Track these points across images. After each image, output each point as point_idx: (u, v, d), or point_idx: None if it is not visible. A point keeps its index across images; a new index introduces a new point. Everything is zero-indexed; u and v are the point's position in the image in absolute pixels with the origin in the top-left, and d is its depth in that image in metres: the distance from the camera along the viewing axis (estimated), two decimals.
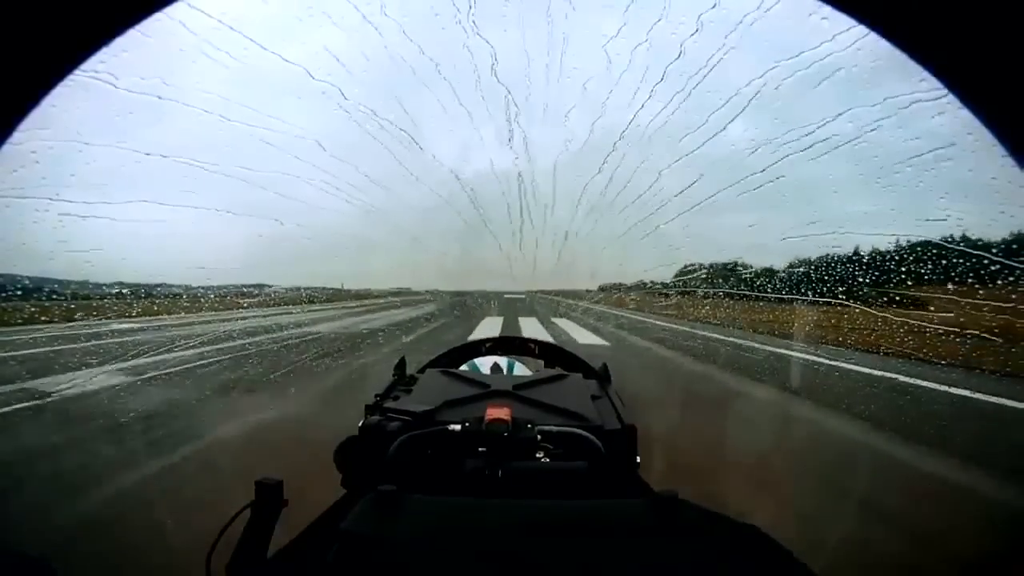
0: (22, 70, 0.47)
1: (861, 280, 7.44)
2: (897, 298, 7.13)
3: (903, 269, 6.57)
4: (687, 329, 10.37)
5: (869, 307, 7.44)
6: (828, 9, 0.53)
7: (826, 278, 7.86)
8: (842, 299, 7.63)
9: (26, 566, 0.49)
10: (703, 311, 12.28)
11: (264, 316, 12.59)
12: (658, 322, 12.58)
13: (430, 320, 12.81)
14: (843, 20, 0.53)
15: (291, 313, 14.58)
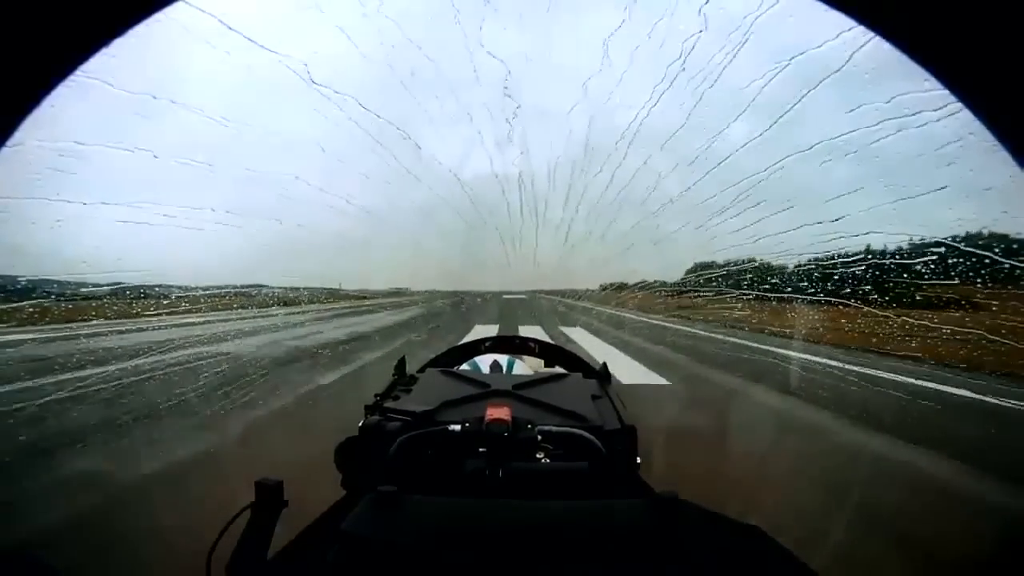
0: (22, 70, 0.47)
1: (885, 281, 7.32)
2: (917, 298, 7.04)
3: (913, 269, 6.52)
4: (737, 340, 8.60)
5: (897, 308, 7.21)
6: (829, 10, 0.53)
7: (861, 279, 7.65)
8: (877, 300, 7.42)
9: (26, 566, 0.49)
10: (724, 312, 11.33)
11: (225, 322, 11.34)
12: (686, 328, 11.22)
13: (408, 328, 11.48)
14: (844, 21, 0.53)
15: (270, 316, 13.81)
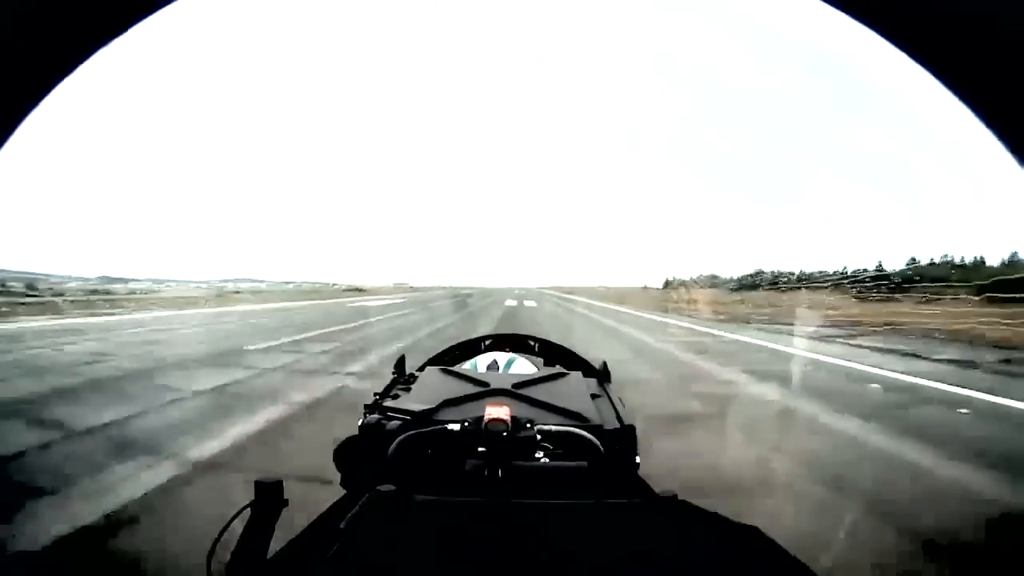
0: (22, 70, 0.47)
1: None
2: None
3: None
4: None
5: None
6: (830, 10, 0.53)
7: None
8: None
9: (26, 566, 0.49)
10: None
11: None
12: None
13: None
14: (845, 21, 0.53)
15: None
